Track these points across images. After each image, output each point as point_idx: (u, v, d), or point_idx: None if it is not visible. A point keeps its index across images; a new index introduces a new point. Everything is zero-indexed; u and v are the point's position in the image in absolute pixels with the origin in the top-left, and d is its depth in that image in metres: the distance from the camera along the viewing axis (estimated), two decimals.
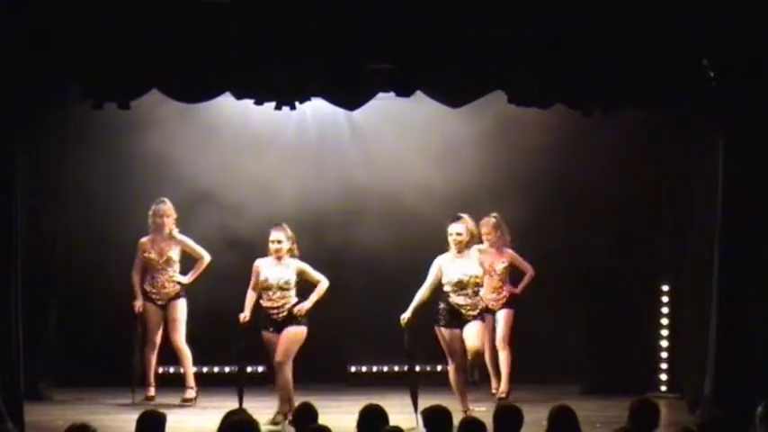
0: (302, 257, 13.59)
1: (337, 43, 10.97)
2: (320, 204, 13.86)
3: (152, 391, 12.91)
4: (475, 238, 12.00)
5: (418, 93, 11.61)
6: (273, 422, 11.55)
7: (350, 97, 11.61)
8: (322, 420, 8.33)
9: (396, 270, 13.11)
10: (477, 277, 11.84)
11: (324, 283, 12.00)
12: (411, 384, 11.73)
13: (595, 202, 13.63)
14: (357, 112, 12.53)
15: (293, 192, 13.74)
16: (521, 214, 13.55)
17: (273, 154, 13.81)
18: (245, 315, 11.85)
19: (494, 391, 13.25)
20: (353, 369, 14.01)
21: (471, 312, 11.82)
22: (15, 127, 11.12)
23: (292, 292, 11.91)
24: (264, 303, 11.88)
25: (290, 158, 13.91)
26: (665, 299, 13.61)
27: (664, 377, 13.57)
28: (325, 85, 11.34)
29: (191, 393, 12.84)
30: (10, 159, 11.07)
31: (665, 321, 13.60)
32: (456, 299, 11.79)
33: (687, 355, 12.80)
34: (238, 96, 11.47)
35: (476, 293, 11.85)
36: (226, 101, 11.64)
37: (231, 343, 11.76)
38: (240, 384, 11.63)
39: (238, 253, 12.94)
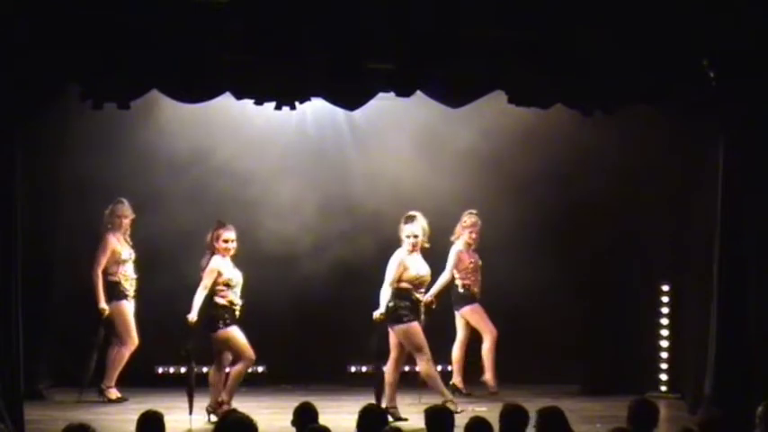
0: (303, 257, 13.64)
1: (337, 43, 10.98)
2: (320, 204, 13.86)
3: (116, 393, 12.90)
4: (426, 237, 12.05)
5: (418, 93, 11.61)
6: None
7: (350, 97, 11.62)
8: (322, 420, 8.34)
9: None
10: (428, 276, 12.10)
11: None
12: (377, 384, 11.78)
13: (595, 202, 13.63)
14: (357, 112, 12.54)
15: (293, 191, 13.74)
16: (520, 214, 13.57)
17: (273, 154, 13.81)
18: (192, 316, 11.83)
19: (490, 382, 13.24)
20: (353, 369, 14.02)
21: (422, 309, 12.03)
22: (15, 127, 11.11)
23: None
24: (234, 300, 11.89)
25: (290, 158, 13.90)
26: (665, 299, 13.61)
27: (664, 377, 13.57)
28: (325, 85, 11.35)
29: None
30: (10, 159, 11.07)
31: (665, 321, 13.60)
32: (417, 295, 11.99)
33: (687, 355, 12.80)
34: (238, 96, 11.47)
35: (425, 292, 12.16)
36: (226, 101, 11.64)
37: (180, 345, 11.86)
38: (191, 386, 11.66)
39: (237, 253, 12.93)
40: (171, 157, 13.47)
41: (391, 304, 11.91)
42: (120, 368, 12.87)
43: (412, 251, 12.00)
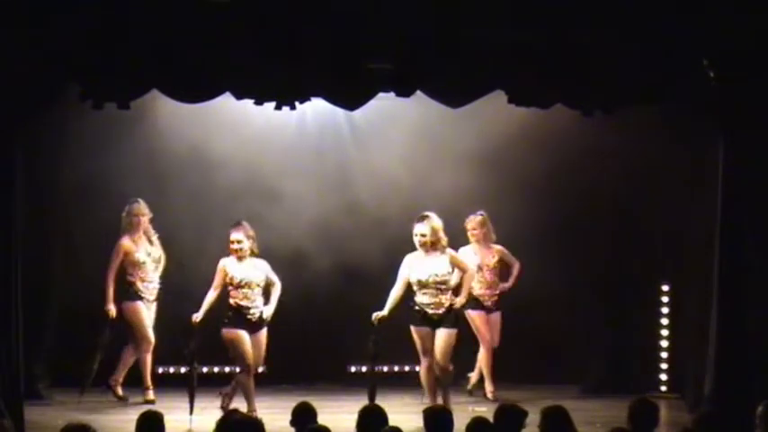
0: (303, 257, 13.58)
1: (337, 43, 10.98)
2: (320, 204, 13.86)
3: (151, 395, 12.87)
4: (441, 237, 11.98)
5: (418, 93, 11.61)
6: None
7: (350, 97, 11.62)
8: (322, 420, 8.34)
9: (395, 269, 13.06)
10: (439, 276, 11.89)
11: (278, 287, 12.15)
12: (370, 385, 11.76)
13: (595, 202, 13.63)
14: (357, 112, 12.54)
15: (293, 191, 13.74)
16: (520, 214, 13.56)
17: (273, 154, 13.81)
18: (197, 316, 11.88)
19: (489, 395, 13.22)
20: (353, 369, 14.02)
21: (436, 311, 11.88)
22: (15, 127, 11.11)
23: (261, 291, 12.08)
24: (241, 302, 11.92)
25: (290, 158, 13.90)
26: (665, 299, 13.61)
27: (664, 377, 13.57)
28: (325, 85, 11.35)
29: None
30: (10, 159, 11.07)
31: (665, 321, 13.60)
32: (421, 298, 11.88)
33: (687, 355, 12.81)
34: (238, 96, 11.47)
35: (440, 292, 11.89)
36: (226, 101, 11.64)
37: (183, 344, 11.89)
38: (192, 386, 11.70)
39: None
40: (171, 157, 13.47)
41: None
42: (144, 370, 12.87)
43: (426, 252, 11.93)
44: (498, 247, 13.25)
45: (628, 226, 13.70)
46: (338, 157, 14.10)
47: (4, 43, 10.66)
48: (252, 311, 11.96)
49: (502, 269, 13.32)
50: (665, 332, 13.61)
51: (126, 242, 12.84)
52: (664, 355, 13.60)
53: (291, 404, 8.67)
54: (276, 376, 13.76)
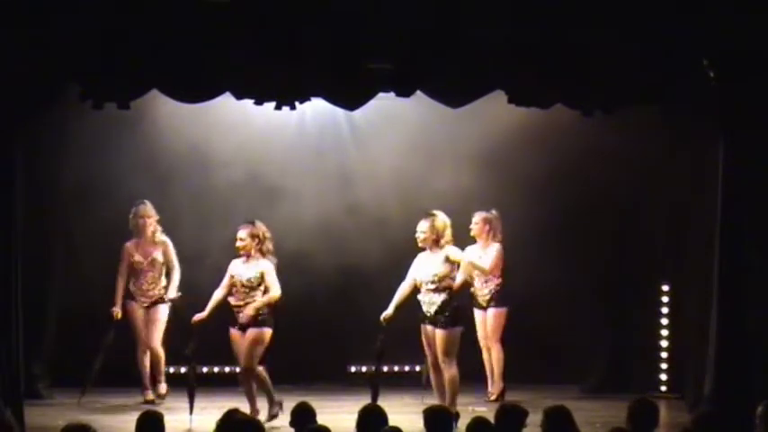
0: (303, 257, 13.55)
1: (337, 43, 10.98)
2: (320, 204, 13.86)
3: (150, 395, 12.87)
4: (444, 235, 11.88)
5: (418, 93, 11.61)
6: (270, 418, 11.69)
7: (350, 97, 11.62)
8: (322, 420, 8.34)
9: (395, 269, 13.09)
10: (430, 275, 11.72)
11: (272, 293, 11.85)
12: (373, 385, 11.73)
13: (595, 202, 13.64)
14: (357, 112, 12.55)
15: (293, 191, 13.74)
16: (521, 214, 13.55)
17: (274, 154, 13.81)
18: (199, 315, 11.84)
19: (489, 394, 13.24)
20: (353, 369, 14.02)
21: (428, 309, 11.79)
22: (15, 127, 11.12)
23: (257, 292, 11.85)
24: (231, 301, 11.89)
25: (291, 158, 13.90)
26: (665, 299, 13.61)
27: (664, 377, 13.57)
28: (325, 85, 11.35)
29: (164, 388, 12.96)
30: (10, 159, 11.07)
31: (664, 321, 13.60)
32: (420, 296, 11.85)
33: (687, 355, 12.81)
34: (238, 96, 11.48)
35: (431, 291, 11.75)
36: (226, 101, 11.64)
37: (184, 343, 11.88)
38: (191, 385, 11.71)
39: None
40: (171, 157, 13.48)
41: None
42: (142, 371, 12.89)
43: (430, 250, 11.85)
44: (495, 245, 13.15)
45: (628, 226, 13.70)
46: (338, 157, 14.10)
47: (4, 43, 10.67)
48: (237, 310, 11.89)
49: (503, 267, 13.28)
50: (665, 332, 13.61)
51: (128, 245, 12.89)
52: (664, 355, 13.60)
53: (291, 404, 8.68)
54: (276, 376, 13.77)
